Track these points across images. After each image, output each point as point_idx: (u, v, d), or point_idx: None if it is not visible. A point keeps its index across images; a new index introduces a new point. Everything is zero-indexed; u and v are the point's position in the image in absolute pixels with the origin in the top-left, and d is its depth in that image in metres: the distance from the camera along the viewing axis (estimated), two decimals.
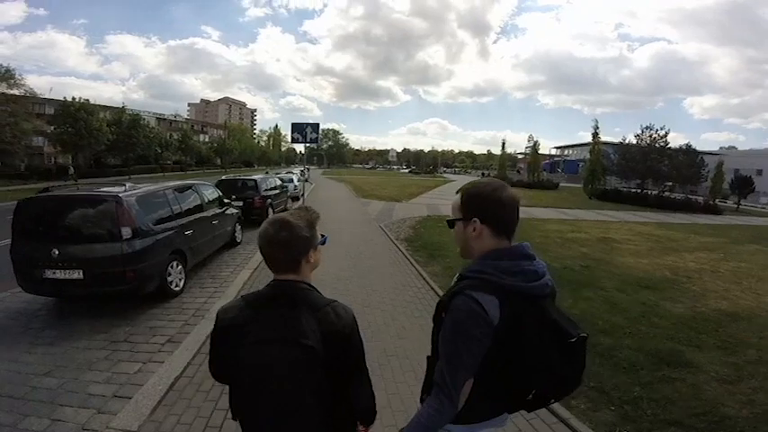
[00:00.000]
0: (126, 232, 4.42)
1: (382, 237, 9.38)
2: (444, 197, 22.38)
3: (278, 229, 1.15)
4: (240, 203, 10.17)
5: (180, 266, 5.39)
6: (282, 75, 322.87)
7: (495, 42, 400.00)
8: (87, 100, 33.46)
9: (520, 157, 74.24)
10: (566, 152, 72.65)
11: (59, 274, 4.31)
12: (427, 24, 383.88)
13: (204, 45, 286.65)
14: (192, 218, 5.90)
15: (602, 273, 7.02)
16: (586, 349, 1.14)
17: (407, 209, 15.65)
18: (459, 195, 1.23)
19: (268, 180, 12.30)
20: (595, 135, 26.12)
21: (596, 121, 26.48)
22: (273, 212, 11.68)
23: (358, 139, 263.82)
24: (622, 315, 4.89)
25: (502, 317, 1.05)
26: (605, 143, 28.55)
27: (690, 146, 27.52)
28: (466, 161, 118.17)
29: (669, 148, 25.63)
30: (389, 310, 4.92)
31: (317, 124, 11.58)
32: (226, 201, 7.55)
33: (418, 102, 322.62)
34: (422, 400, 1.25)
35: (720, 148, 72.45)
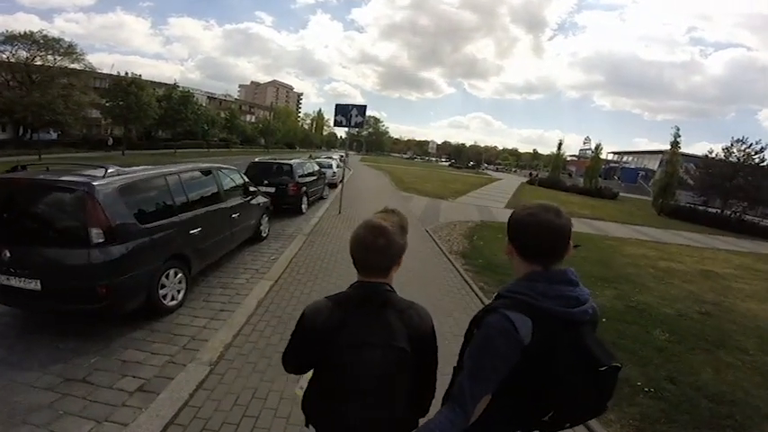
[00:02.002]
0: (96, 235, 3.19)
1: (431, 247, 7.80)
2: (494, 199, 20.43)
3: (376, 237, 1.14)
4: (272, 190, 9.03)
5: (180, 275, 4.16)
6: (329, 61, 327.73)
7: (550, 39, 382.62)
8: (140, 75, 34.81)
9: (569, 159, 69.60)
10: (623, 159, 66.95)
11: (14, 282, 3.23)
12: (477, 17, 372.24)
13: (258, 30, 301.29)
14: (202, 211, 4.62)
15: (729, 324, 5.37)
16: (617, 380, 1.09)
17: (455, 209, 13.94)
18: None
19: (305, 165, 11.01)
20: (675, 144, 22.84)
21: (677, 129, 22.96)
22: (308, 201, 10.47)
23: (397, 129, 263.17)
24: None
25: (533, 338, 1.04)
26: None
27: (764, 160, 23.31)
28: (509, 159, 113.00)
29: (764, 166, 21.88)
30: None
31: (364, 107, 9.95)
32: (252, 189, 6.25)
33: (463, 95, 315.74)
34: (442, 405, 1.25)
35: None
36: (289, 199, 9.34)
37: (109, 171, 3.57)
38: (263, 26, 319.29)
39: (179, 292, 4.18)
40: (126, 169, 3.85)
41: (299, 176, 9.84)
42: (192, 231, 4.33)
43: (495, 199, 20.40)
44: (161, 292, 3.88)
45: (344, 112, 9.72)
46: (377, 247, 1.14)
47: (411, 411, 1.27)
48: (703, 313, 5.64)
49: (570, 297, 1.09)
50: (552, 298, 1.07)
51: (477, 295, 5.16)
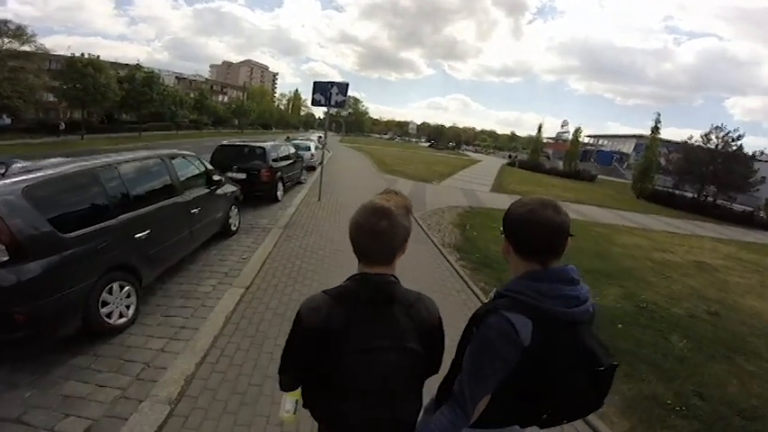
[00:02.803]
0: None
1: (422, 238, 7.13)
2: (479, 182, 19.97)
3: (379, 219, 1.04)
4: (243, 176, 8.12)
5: (127, 287, 3.41)
6: (306, 41, 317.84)
7: (530, 23, 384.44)
8: (98, 57, 32.21)
9: (546, 141, 70.19)
10: (598, 142, 68.12)
11: None
12: None
13: (230, 9, 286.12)
14: (150, 209, 3.77)
15: (739, 326, 5.16)
16: (613, 377, 1.08)
17: (441, 193, 13.32)
18: None
19: (280, 148, 9.96)
20: (655, 130, 23.03)
21: (658, 114, 23.26)
22: (284, 187, 9.60)
23: (377, 109, 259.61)
24: None
25: (534, 339, 1.02)
26: (644, 137, 25.16)
27: (741, 148, 23.90)
28: (487, 140, 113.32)
29: (743, 153, 22.24)
30: None
31: (346, 84, 8.94)
32: (216, 177, 5.36)
33: (442, 76, 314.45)
34: (436, 399, 1.26)
35: (761, 152, 65.52)
36: (262, 186, 8.41)
37: (14, 167, 2.72)
38: (236, 5, 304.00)
39: (128, 307, 3.45)
40: (41, 163, 3.02)
41: (274, 160, 8.88)
42: (137, 235, 3.52)
43: (480, 182, 19.93)
44: (103, 310, 3.16)
45: (324, 91, 8.75)
46: (380, 232, 1.04)
47: (414, 409, 1.20)
48: (712, 313, 5.38)
49: (571, 296, 1.06)
50: (553, 298, 1.04)
51: (479, 298, 4.59)
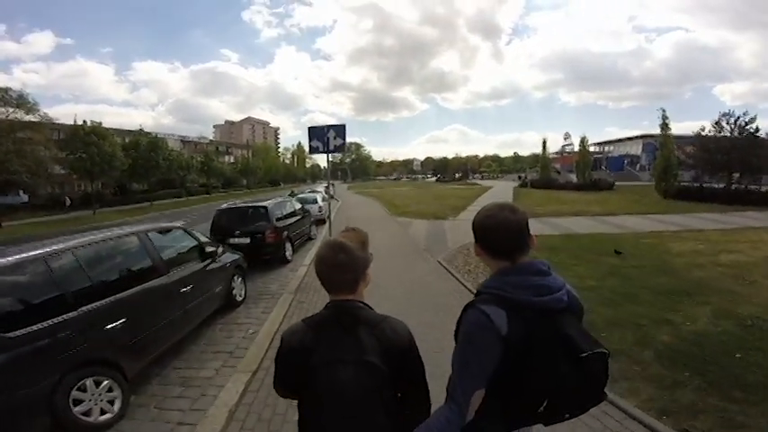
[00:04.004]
0: None
1: (452, 284, 6.25)
2: None
3: (337, 253, 1.16)
4: (247, 240, 7.51)
5: (106, 382, 2.86)
6: (302, 93, 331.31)
7: (508, 44, 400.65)
8: (100, 123, 31.24)
9: (551, 156, 69.48)
10: (605, 149, 67.23)
11: None
12: (438, 31, 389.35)
13: (225, 68, 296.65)
14: (124, 296, 3.16)
15: None
16: (607, 366, 1.08)
17: (461, 229, 12.39)
18: None
19: (284, 205, 9.39)
20: (665, 126, 22.24)
21: (664, 111, 22.50)
22: (293, 246, 8.93)
23: (379, 152, 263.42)
24: None
25: (510, 328, 1.05)
26: (651, 136, 24.29)
27: (758, 130, 22.60)
28: (492, 165, 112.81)
29: (759, 136, 21.06)
30: None
31: (343, 126, 8.39)
32: (209, 249, 4.72)
33: (437, 109, 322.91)
34: None
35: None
36: (268, 248, 7.73)
37: None
38: (230, 64, 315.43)
39: (112, 402, 2.90)
40: None
41: (278, 219, 8.27)
42: (109, 326, 2.94)
43: None
44: (78, 408, 2.71)
45: (320, 136, 8.27)
46: (339, 263, 1.15)
47: (391, 426, 1.19)
48: None
49: (541, 286, 1.11)
50: (524, 288, 1.10)
51: None
